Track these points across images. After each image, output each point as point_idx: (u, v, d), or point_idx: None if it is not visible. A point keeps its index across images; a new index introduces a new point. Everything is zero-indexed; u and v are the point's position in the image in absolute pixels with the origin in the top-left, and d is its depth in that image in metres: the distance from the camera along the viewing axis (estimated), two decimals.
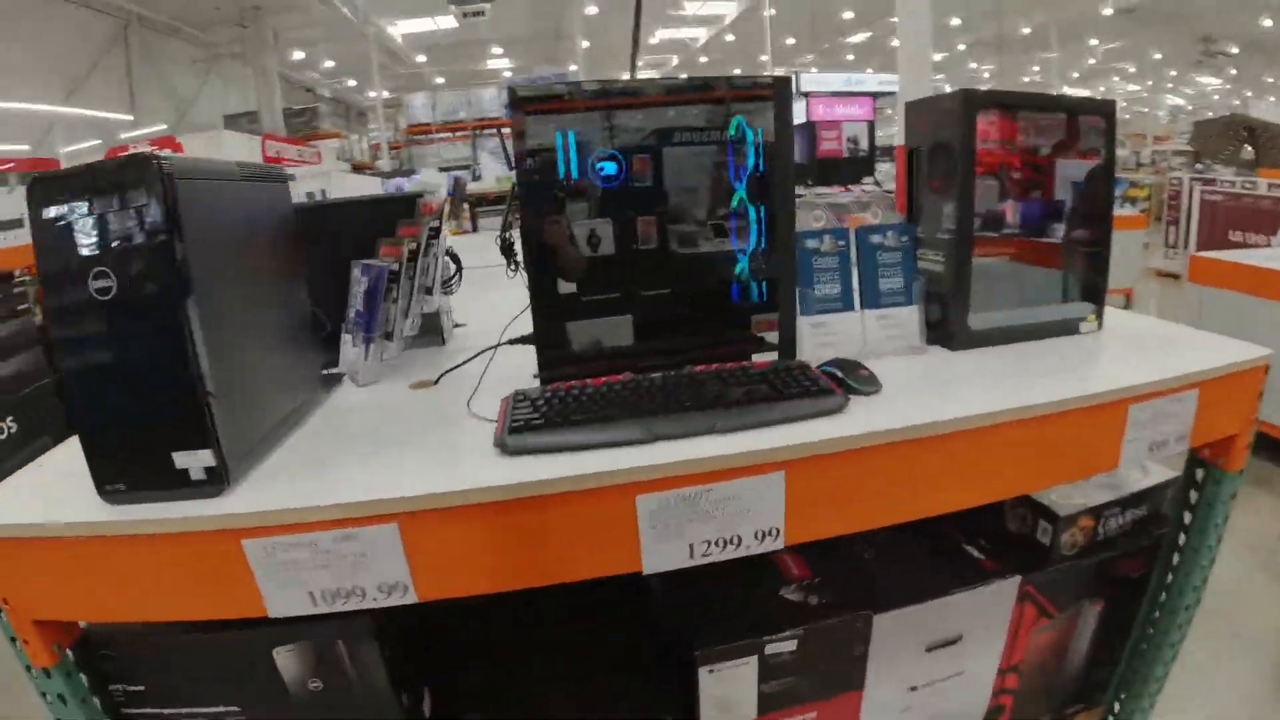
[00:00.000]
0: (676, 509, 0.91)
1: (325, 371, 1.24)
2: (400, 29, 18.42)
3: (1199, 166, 12.19)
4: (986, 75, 26.11)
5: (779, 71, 18.62)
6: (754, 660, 1.23)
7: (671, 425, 0.98)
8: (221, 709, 1.03)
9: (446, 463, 0.93)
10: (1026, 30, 20.27)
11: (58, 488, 0.92)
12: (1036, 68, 24.41)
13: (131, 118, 14.78)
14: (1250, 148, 12.68)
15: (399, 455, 0.96)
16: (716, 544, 0.95)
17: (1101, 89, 27.73)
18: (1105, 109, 1.33)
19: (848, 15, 19.18)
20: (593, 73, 19.61)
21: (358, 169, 18.00)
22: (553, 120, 1.08)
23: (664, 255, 1.17)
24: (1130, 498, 1.46)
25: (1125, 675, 1.60)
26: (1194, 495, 1.38)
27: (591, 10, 17.29)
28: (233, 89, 18.56)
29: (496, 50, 20.95)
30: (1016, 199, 1.34)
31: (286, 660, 1.01)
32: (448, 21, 17.43)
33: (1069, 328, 1.36)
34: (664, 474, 0.90)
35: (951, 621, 1.36)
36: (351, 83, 21.94)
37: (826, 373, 1.13)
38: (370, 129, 20.42)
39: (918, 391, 1.12)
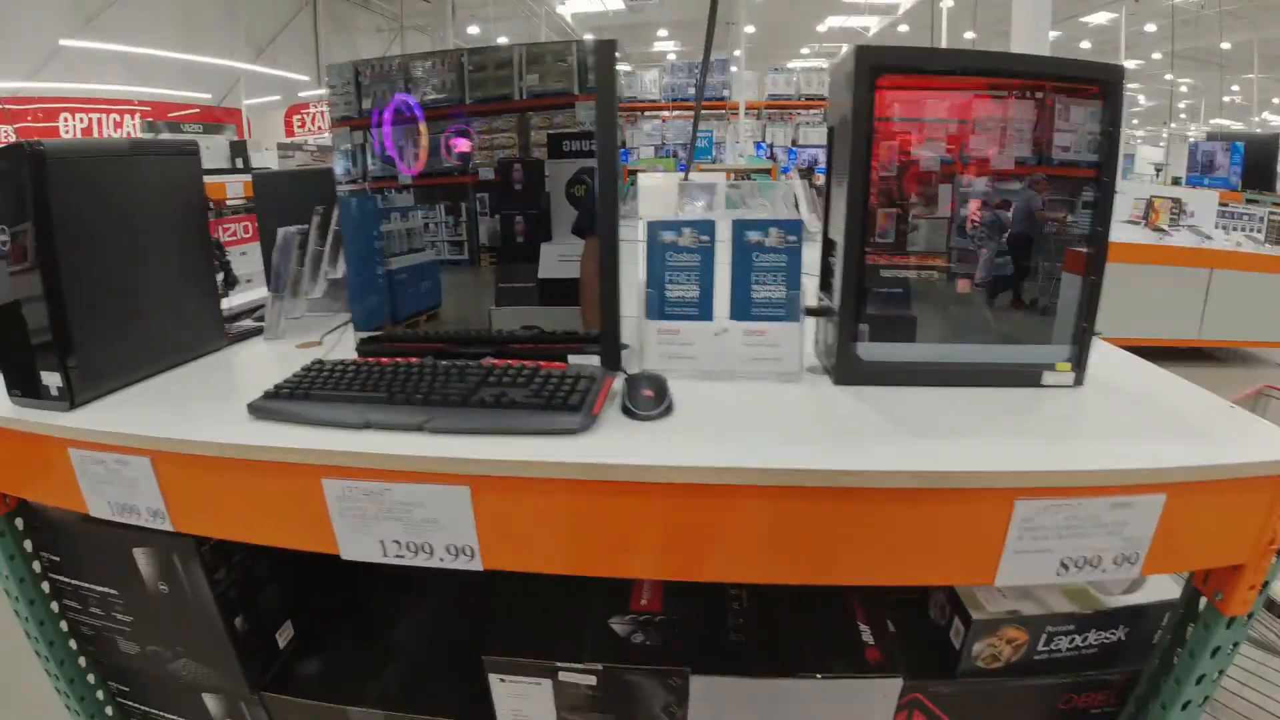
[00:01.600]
0: (360, 501, 0.86)
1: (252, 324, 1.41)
2: (569, 8, 18.65)
3: None
4: (1184, 89, 23.75)
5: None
6: (548, 684, 1.11)
7: (388, 415, 0.90)
8: (106, 590, 1.19)
9: (210, 417, 0.95)
10: (1226, 46, 18.22)
11: None
12: (1236, 87, 21.93)
13: (308, 79, 15.66)
14: None
15: (202, 403, 1.02)
16: (408, 548, 0.88)
17: None
18: (1105, 75, 0.95)
19: None
20: (754, 59, 19.27)
21: None
22: None
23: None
24: (1099, 615, 1.11)
25: None
26: (1191, 630, 1.00)
27: None
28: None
29: (662, 33, 20.88)
30: (966, 200, 1.00)
31: (142, 560, 1.12)
32: (615, 4, 17.56)
33: (1025, 376, 1.01)
34: (347, 463, 0.85)
35: (802, 711, 1.10)
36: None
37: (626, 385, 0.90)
38: None
39: (717, 427, 0.87)
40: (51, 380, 0.99)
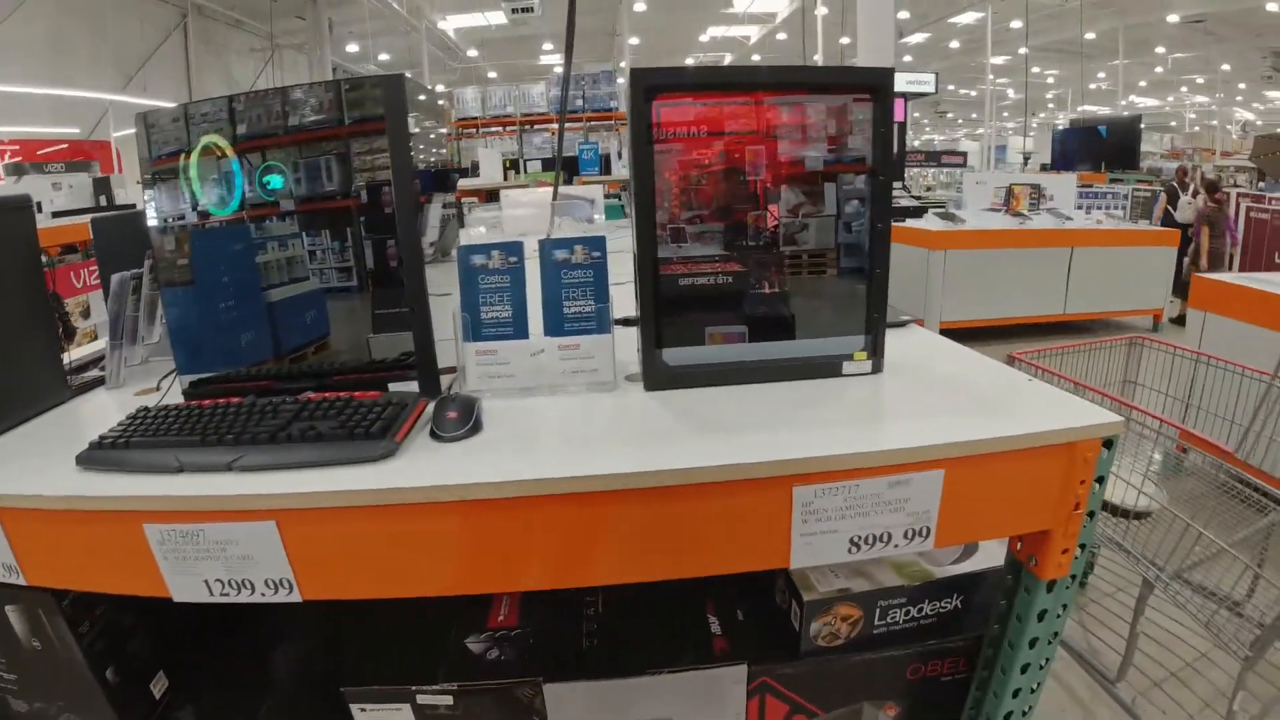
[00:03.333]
0: (179, 544, 0.86)
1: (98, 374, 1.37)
2: (451, 24, 18.48)
3: (1261, 185, 11.44)
4: (1051, 80, 25.11)
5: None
6: (407, 708, 1.12)
7: (199, 456, 0.90)
8: None
9: (43, 471, 0.94)
10: (1091, 36, 19.37)
11: None
12: (1103, 74, 23.31)
13: (176, 106, 15.13)
14: None
15: (36, 458, 1.00)
16: (230, 585, 0.88)
17: (1170, 99, 26.45)
18: (874, 79, 1.02)
19: (903, 15, 18.54)
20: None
21: None
22: None
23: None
24: (925, 587, 1.17)
25: None
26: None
27: (640, 8, 17.09)
28: (290, 79, 18.92)
29: (548, 46, 20.89)
30: (762, 207, 1.05)
31: (13, 618, 1.10)
32: (498, 17, 17.45)
33: (827, 368, 1.07)
34: (163, 506, 0.85)
35: (655, 706, 1.14)
36: (407, 74, 22.17)
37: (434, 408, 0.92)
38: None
39: (524, 442, 0.90)
40: None
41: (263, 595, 0.87)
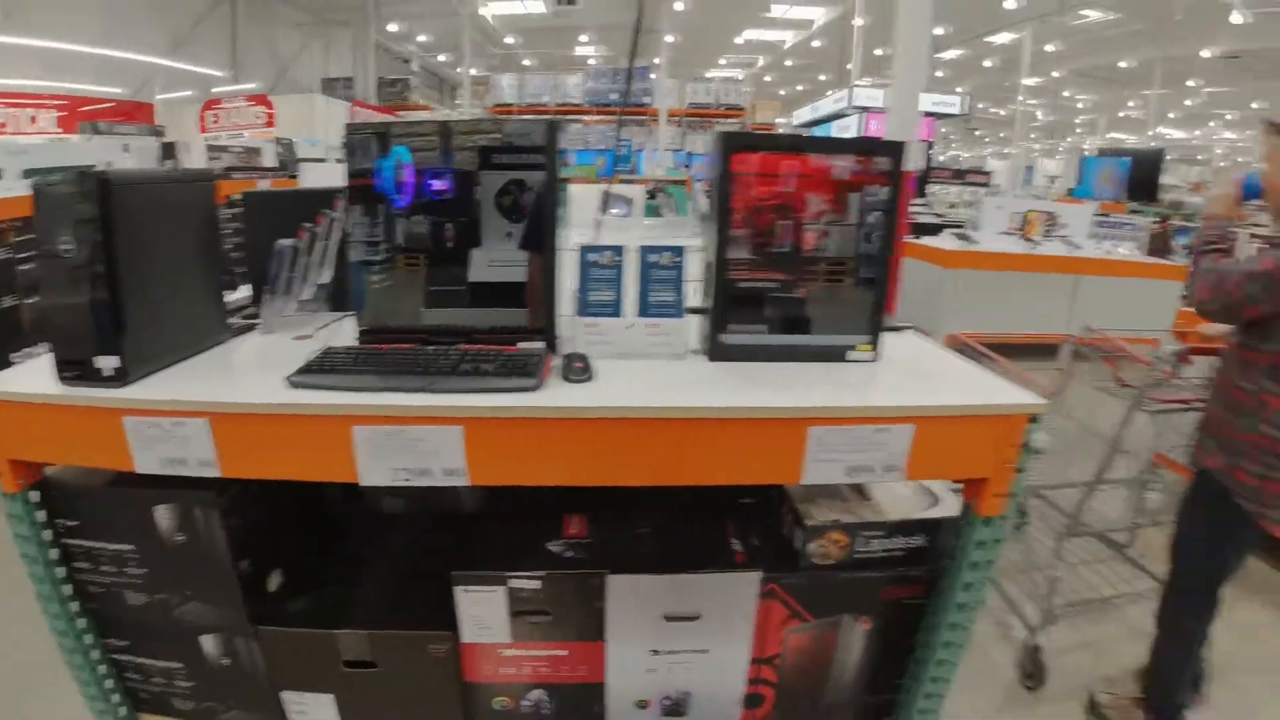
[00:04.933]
0: (381, 441, 1.20)
1: (243, 320, 1.68)
2: (492, 9, 18.89)
3: None
4: (1080, 105, 25.29)
5: (864, 82, 18.37)
6: (501, 590, 1.46)
7: (400, 381, 1.24)
8: (124, 546, 1.43)
9: (254, 387, 1.26)
10: (1124, 65, 19.60)
11: (31, 377, 1.29)
12: (1133, 103, 23.50)
13: (224, 74, 15.50)
14: None
15: (230, 377, 1.35)
16: (414, 472, 1.22)
17: (1197, 133, 26.59)
18: (887, 150, 1.39)
19: (939, 31, 18.83)
20: (677, 66, 19.79)
21: None
22: None
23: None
24: (898, 524, 1.52)
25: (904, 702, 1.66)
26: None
27: (679, 6, 17.40)
28: (333, 54, 19.33)
29: (584, 38, 21.25)
30: (801, 233, 1.42)
31: (161, 515, 1.38)
32: (536, 6, 17.85)
33: (835, 354, 1.46)
34: (372, 413, 1.19)
35: (689, 599, 1.50)
36: (445, 58, 22.54)
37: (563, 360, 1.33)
38: (457, 104, 20.98)
39: (628, 386, 1.29)
40: (106, 363, 1.21)
41: (438, 480, 1.24)
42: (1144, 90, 21.27)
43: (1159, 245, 9.49)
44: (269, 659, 1.54)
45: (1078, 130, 28.59)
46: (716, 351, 1.42)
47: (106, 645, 1.56)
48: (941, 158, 25.48)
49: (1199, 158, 28.26)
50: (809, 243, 1.43)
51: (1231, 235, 1.97)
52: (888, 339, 1.55)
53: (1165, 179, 18.34)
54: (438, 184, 1.43)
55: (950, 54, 21.21)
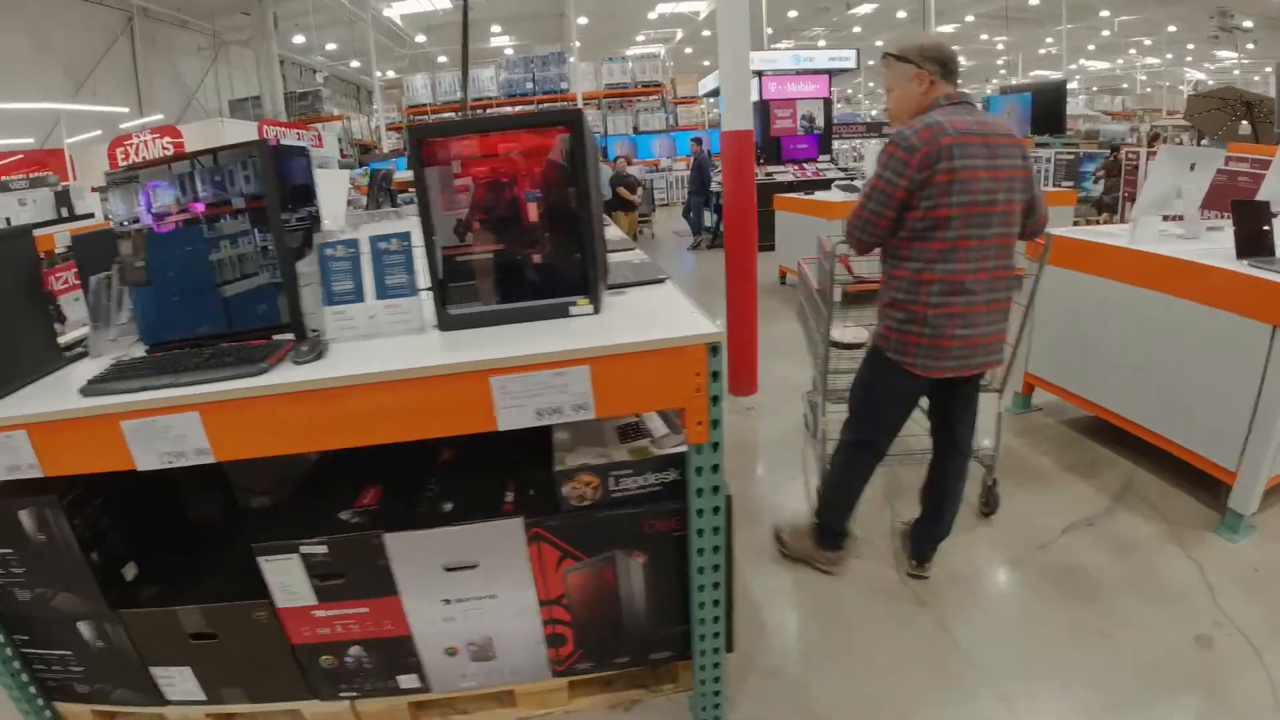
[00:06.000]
0: (146, 430, 1.41)
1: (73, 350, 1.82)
2: (396, 10, 18.72)
3: (1205, 143, 12.06)
4: (1000, 47, 25.67)
5: (783, 46, 18.41)
6: (296, 557, 1.65)
7: (154, 380, 1.43)
8: (6, 550, 1.67)
9: (54, 400, 1.45)
10: (1033, 2, 19.93)
11: None
12: (1050, 39, 23.89)
13: (129, 109, 15.31)
14: (1248, 123, 12.52)
15: (48, 395, 1.50)
16: (174, 455, 1.43)
17: (1119, 61, 27.11)
18: (567, 118, 1.53)
19: None
20: (590, 51, 19.80)
21: (365, 148, 18.59)
22: None
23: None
24: (645, 462, 1.66)
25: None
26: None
27: None
28: (238, 75, 19.08)
29: (496, 29, 21.12)
30: (509, 207, 1.57)
31: (25, 519, 1.62)
32: (443, 1, 17.71)
33: (559, 311, 1.60)
34: (132, 408, 1.40)
35: (464, 549, 1.67)
36: (356, 64, 22.30)
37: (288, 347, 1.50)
38: (373, 109, 20.83)
39: (352, 360, 1.45)
40: None
41: (192, 459, 1.42)
42: (1057, 27, 21.61)
43: (1070, 173, 9.87)
44: (133, 639, 1.77)
45: (1001, 72, 28.98)
46: (446, 322, 1.59)
47: (15, 641, 1.78)
48: (875, 112, 25.73)
49: (1123, 86, 28.83)
50: (516, 215, 1.59)
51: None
52: (635, 291, 1.72)
53: (1076, 109, 18.81)
54: (175, 213, 1.57)
55: (863, 9, 21.41)
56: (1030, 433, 3.75)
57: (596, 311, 1.62)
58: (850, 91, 29.72)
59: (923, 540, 2.54)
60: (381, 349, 1.51)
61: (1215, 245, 3.09)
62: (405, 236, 1.57)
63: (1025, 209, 2.14)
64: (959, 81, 2.17)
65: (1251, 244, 2.84)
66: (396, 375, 1.36)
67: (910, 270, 2.08)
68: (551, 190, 1.57)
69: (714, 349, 1.44)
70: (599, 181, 1.74)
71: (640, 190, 10.91)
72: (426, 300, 1.60)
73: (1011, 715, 1.94)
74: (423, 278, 1.60)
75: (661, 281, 1.94)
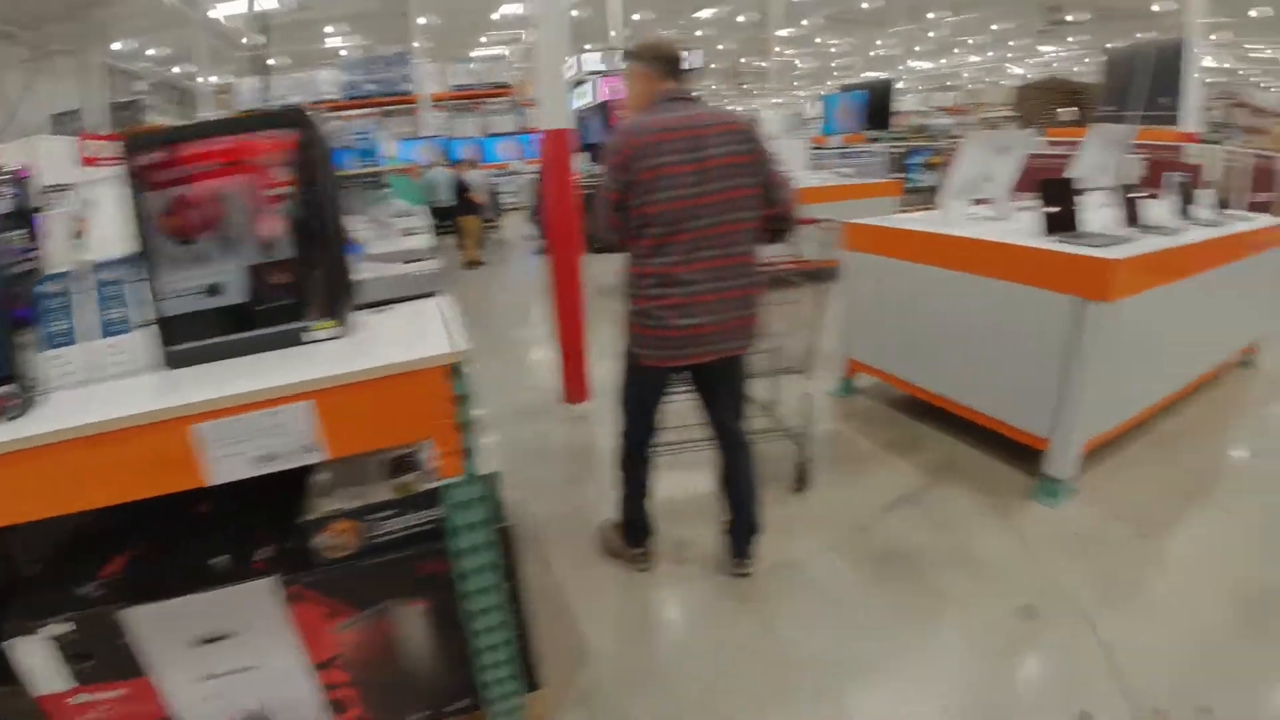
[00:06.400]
0: None
1: None
2: (222, 11, 17.64)
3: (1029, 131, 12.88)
4: (834, 49, 26.69)
5: (591, 47, 18.37)
6: (39, 641, 1.44)
7: None
8: None
9: None
10: (865, 5, 20.75)
11: None
12: (880, 41, 25.05)
13: None
14: (1076, 109, 13.44)
15: None
16: None
17: (943, 61, 28.73)
18: (291, 119, 1.42)
19: None
20: (435, 52, 19.30)
21: None
22: None
23: None
24: (404, 500, 1.55)
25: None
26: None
27: None
28: (61, 87, 17.56)
29: (329, 29, 20.27)
30: (237, 227, 1.45)
31: None
32: (269, 2, 16.82)
33: (293, 338, 1.49)
34: None
35: (215, 618, 1.51)
36: (190, 68, 20.91)
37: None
38: (202, 116, 19.59)
39: (67, 411, 1.28)
40: None
41: None
42: (890, 29, 22.63)
43: (898, 165, 10.39)
44: None
45: (835, 74, 30.09)
46: (173, 359, 1.47)
47: None
48: None
49: (948, 83, 30.56)
50: (245, 232, 1.46)
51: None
52: (405, 308, 1.67)
53: (903, 107, 19.73)
54: None
55: (706, 13, 21.73)
56: (853, 416, 3.92)
57: (344, 334, 1.52)
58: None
59: (738, 536, 2.59)
60: (95, 397, 1.37)
61: (1023, 225, 3.29)
62: (120, 268, 1.43)
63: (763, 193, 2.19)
64: (684, 79, 2.27)
65: (1058, 221, 3.03)
66: (90, 430, 1.22)
67: (633, 266, 2.19)
68: (284, 201, 1.47)
69: (456, 370, 1.35)
70: (336, 189, 1.63)
71: (484, 196, 10.68)
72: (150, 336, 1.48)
73: (839, 712, 1.97)
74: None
75: (429, 296, 1.85)
